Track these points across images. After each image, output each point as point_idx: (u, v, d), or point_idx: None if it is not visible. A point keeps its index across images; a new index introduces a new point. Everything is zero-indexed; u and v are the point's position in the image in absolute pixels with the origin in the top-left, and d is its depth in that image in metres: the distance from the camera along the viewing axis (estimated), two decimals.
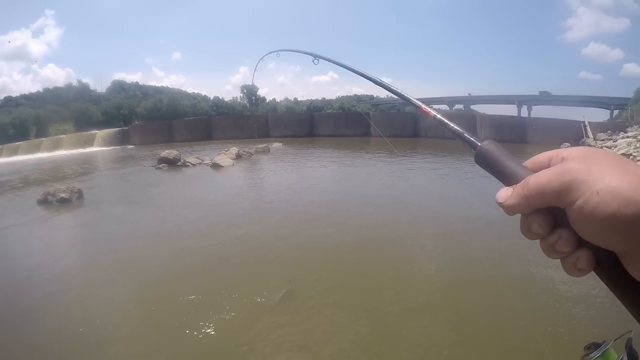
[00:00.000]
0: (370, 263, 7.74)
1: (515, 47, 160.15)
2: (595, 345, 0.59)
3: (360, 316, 5.77)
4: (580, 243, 0.50)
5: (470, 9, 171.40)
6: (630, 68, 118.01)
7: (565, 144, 38.34)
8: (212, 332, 5.43)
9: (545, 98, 74.80)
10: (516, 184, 0.58)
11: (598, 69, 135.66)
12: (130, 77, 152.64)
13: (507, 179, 0.61)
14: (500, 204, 0.59)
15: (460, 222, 10.09)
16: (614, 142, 31.28)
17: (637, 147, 24.78)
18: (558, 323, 5.48)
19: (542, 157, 0.61)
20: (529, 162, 0.62)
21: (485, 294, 6.45)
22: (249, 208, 12.32)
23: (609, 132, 36.87)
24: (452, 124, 0.80)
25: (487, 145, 0.66)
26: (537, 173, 0.56)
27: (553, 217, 0.54)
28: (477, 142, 0.68)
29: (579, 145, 38.63)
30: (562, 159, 0.56)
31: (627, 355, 0.56)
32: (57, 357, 5.04)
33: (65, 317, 5.89)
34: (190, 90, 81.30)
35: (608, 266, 0.47)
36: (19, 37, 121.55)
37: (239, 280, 6.95)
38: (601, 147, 29.54)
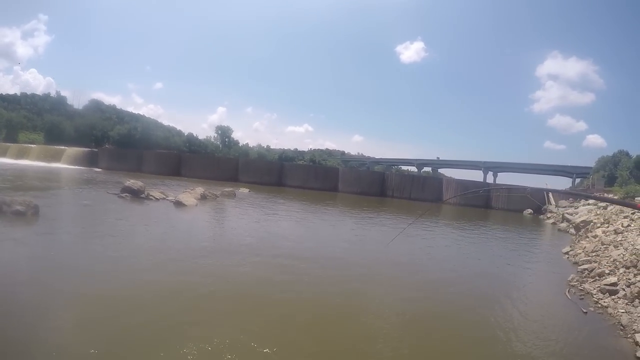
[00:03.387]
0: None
1: (484, 115, 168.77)
2: None
3: None
4: None
5: (443, 74, 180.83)
6: (593, 139, 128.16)
7: (529, 210, 40.25)
8: None
9: (510, 165, 78.37)
10: None
11: (562, 139, 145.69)
12: (109, 98, 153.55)
13: None
14: None
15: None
16: (575, 209, 32.62)
17: (598, 214, 25.34)
18: None
19: None
20: None
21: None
22: (203, 255, 11.83)
23: (570, 199, 38.39)
24: None
25: None
26: None
27: None
28: None
29: (541, 211, 40.96)
30: None
31: None
32: None
33: None
34: (166, 122, 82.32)
35: None
36: (8, 35, 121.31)
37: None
38: (562, 215, 31.29)
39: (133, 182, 23.23)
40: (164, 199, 23.02)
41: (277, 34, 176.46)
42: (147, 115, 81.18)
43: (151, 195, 22.82)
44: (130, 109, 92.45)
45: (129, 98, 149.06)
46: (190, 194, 24.29)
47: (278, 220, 21.65)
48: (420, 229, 23.57)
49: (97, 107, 70.95)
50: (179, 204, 21.57)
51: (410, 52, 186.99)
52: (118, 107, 76.17)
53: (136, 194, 22.38)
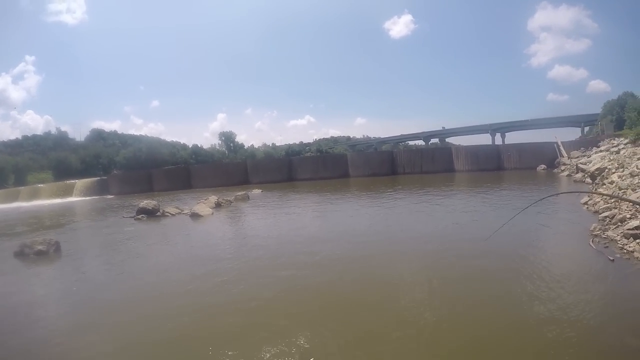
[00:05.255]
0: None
1: (484, 77, 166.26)
2: None
3: None
4: None
5: (436, 44, 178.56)
6: (596, 85, 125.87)
7: (542, 166, 39.80)
8: None
9: (516, 124, 77.14)
10: None
11: (565, 89, 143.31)
12: (109, 125, 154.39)
13: None
14: None
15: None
16: (588, 157, 32.37)
17: (611, 159, 24.94)
18: None
19: None
20: None
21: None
22: (230, 264, 11.29)
23: (582, 148, 38.31)
24: None
25: None
26: None
27: None
28: None
29: (554, 165, 40.33)
30: None
31: None
32: None
33: None
34: (169, 138, 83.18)
35: None
36: None
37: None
38: (575, 165, 31.09)
39: (147, 203, 23.28)
40: (179, 213, 23.04)
41: (263, 30, 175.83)
42: (149, 135, 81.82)
43: (167, 212, 22.87)
44: (132, 131, 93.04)
45: (128, 121, 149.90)
46: (204, 204, 24.26)
47: (297, 215, 21.22)
48: (442, 197, 23.53)
49: (99, 136, 71.44)
50: (195, 215, 21.56)
51: (399, 26, 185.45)
52: (119, 132, 76.75)
53: (152, 214, 22.44)
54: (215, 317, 7.54)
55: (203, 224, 19.91)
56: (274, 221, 19.37)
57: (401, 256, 11.43)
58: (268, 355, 5.87)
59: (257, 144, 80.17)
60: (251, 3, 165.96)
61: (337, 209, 22.74)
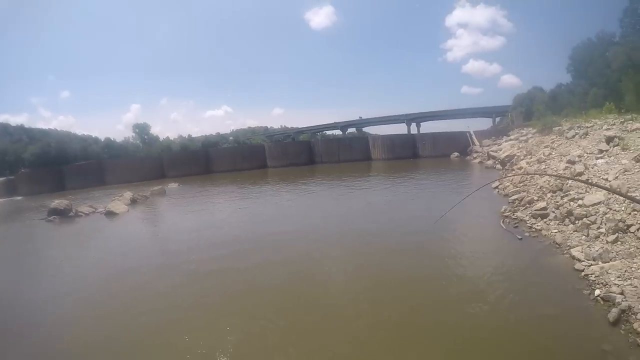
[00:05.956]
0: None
1: (402, 70, 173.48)
2: None
3: None
4: None
5: (356, 36, 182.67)
6: (508, 79, 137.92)
7: (455, 153, 43.52)
8: None
9: (431, 114, 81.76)
10: None
11: (478, 83, 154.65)
12: (15, 119, 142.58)
13: None
14: None
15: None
16: (498, 146, 34.97)
17: (520, 147, 27.77)
18: None
19: None
20: None
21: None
22: (149, 273, 11.11)
23: (493, 137, 41.31)
24: None
25: None
26: None
27: None
28: None
29: (467, 153, 44.16)
30: None
31: None
32: None
33: None
34: (80, 132, 78.82)
35: None
36: None
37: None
38: (487, 153, 33.81)
39: (58, 203, 23.30)
40: (94, 212, 23.38)
41: (179, 19, 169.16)
42: (58, 129, 77.23)
43: (80, 212, 23.05)
44: (40, 125, 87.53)
45: (36, 114, 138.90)
46: (119, 200, 24.68)
47: (217, 212, 21.30)
48: (361, 185, 26.01)
49: (4, 131, 66.47)
50: (110, 213, 22.07)
51: (320, 17, 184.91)
52: (26, 126, 71.81)
53: (64, 214, 22.56)
54: (139, 339, 7.47)
55: (119, 223, 20.13)
56: (193, 218, 19.93)
57: (323, 250, 12.01)
58: None
59: (172, 135, 78.97)
60: None
61: (256, 202, 23.37)
